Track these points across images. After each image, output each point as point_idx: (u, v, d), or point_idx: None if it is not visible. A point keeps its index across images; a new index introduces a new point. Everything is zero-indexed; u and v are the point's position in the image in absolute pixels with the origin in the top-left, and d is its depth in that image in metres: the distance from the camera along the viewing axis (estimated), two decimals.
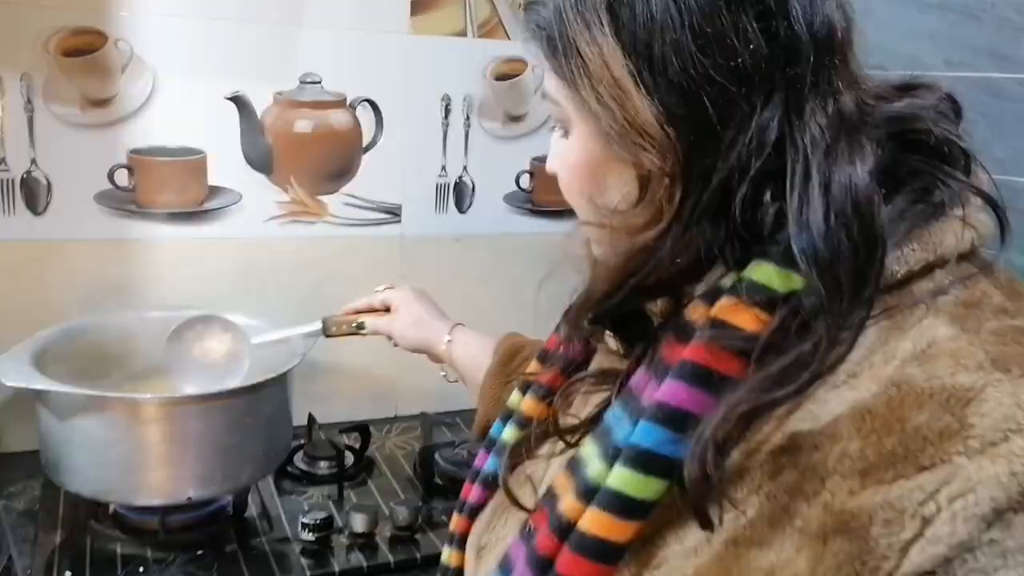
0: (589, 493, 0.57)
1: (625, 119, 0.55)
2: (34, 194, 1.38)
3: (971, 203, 0.56)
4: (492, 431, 0.77)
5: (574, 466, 0.60)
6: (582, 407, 0.69)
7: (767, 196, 0.55)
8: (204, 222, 1.49)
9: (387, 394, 1.69)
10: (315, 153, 1.54)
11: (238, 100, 1.46)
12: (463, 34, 1.60)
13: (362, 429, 1.53)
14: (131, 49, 1.38)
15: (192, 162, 1.46)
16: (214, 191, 1.49)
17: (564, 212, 1.72)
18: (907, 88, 0.60)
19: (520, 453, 0.72)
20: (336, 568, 1.18)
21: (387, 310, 1.24)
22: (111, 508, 1.26)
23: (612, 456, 0.56)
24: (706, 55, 0.53)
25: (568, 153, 0.64)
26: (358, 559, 1.21)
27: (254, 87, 1.47)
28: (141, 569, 1.15)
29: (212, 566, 1.17)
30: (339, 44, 1.51)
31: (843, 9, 0.56)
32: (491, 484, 0.74)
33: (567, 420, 0.68)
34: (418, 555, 1.23)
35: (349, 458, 1.48)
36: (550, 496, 0.60)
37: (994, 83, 1.31)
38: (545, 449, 0.71)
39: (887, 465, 0.49)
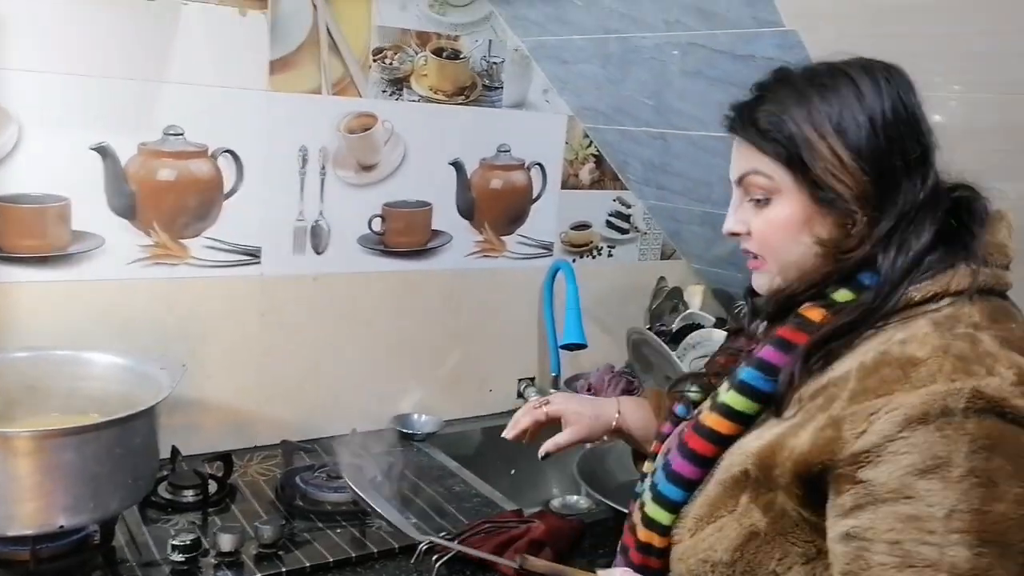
0: (713, 407, 0.99)
1: (850, 184, 0.92)
2: None
3: (976, 259, 0.91)
4: (686, 393, 1.15)
5: (714, 396, 1.01)
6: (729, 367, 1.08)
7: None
8: (67, 265, 1.56)
9: (247, 425, 1.79)
10: (177, 199, 1.63)
11: (102, 150, 1.55)
12: (318, 91, 1.74)
13: (225, 458, 1.62)
14: None
15: (55, 208, 1.53)
16: (77, 236, 1.56)
17: (412, 253, 1.89)
18: (960, 186, 0.97)
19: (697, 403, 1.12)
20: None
21: (554, 421, 1.31)
22: None
23: (729, 388, 0.98)
24: (891, 153, 0.92)
25: (775, 214, 0.97)
26: None
27: (118, 138, 1.56)
28: None
29: None
30: (202, 99, 1.62)
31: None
32: (676, 421, 1.12)
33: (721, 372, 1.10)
34: (283, 569, 1.34)
35: (213, 486, 1.57)
36: (698, 413, 1.04)
37: None
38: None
39: (863, 394, 0.85)
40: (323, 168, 1.78)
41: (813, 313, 0.94)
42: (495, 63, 1.93)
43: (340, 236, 1.83)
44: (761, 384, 0.95)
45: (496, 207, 2.01)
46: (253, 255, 1.74)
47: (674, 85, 1.70)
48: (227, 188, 1.68)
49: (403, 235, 1.92)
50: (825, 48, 1.35)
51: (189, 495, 1.54)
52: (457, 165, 1.94)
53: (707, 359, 1.23)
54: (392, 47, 1.80)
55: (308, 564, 1.36)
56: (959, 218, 0.94)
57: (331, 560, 1.38)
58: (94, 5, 1.49)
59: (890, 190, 0.92)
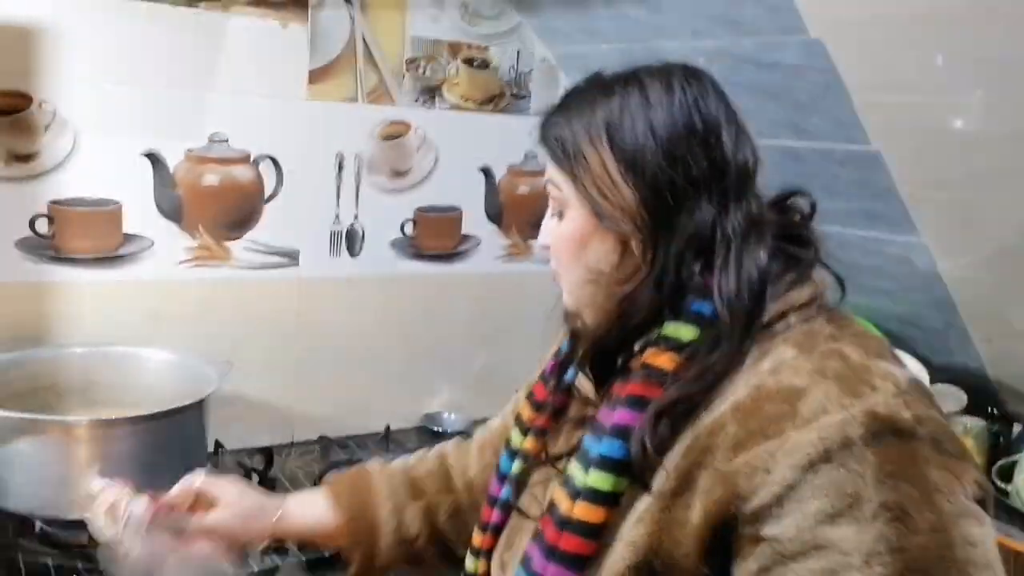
0: (576, 495, 0.82)
1: (615, 203, 0.83)
2: None
3: (813, 268, 0.84)
4: (502, 466, 0.98)
5: (566, 481, 0.85)
6: (567, 442, 0.93)
7: (696, 268, 0.82)
8: (118, 266, 1.63)
9: (285, 421, 1.85)
10: (221, 204, 1.70)
11: (152, 156, 1.62)
12: (354, 100, 1.81)
13: (266, 452, 1.68)
14: (55, 110, 1.52)
15: (108, 212, 1.60)
16: (128, 238, 1.63)
17: (443, 256, 1.95)
18: (788, 195, 0.88)
19: (524, 480, 0.96)
20: (256, 568, 1.34)
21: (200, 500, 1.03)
22: (37, 527, 1.37)
23: (588, 466, 0.82)
24: (670, 167, 0.81)
25: (563, 229, 0.88)
26: (273, 560, 1.37)
27: (167, 145, 1.63)
28: None
29: None
30: (245, 107, 1.69)
31: (755, 152, 0.85)
32: (507, 508, 0.96)
33: (557, 451, 0.93)
34: (326, 554, 1.39)
35: (255, 479, 1.63)
36: (552, 506, 0.85)
37: (792, 149, 1.62)
38: (541, 475, 0.94)
39: (749, 438, 0.74)
40: (358, 174, 1.85)
41: (662, 360, 0.81)
42: (523, 72, 2.00)
43: (374, 240, 1.90)
44: (622, 454, 0.80)
45: (524, 212, 2.07)
46: (291, 257, 1.80)
47: None
48: (267, 193, 1.75)
49: (434, 239, 1.98)
50: (850, 56, 1.41)
51: None
52: (486, 171, 2.01)
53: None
54: (425, 57, 1.87)
55: None
56: (791, 229, 0.86)
57: None
58: (145, 18, 1.57)
59: (670, 212, 0.82)
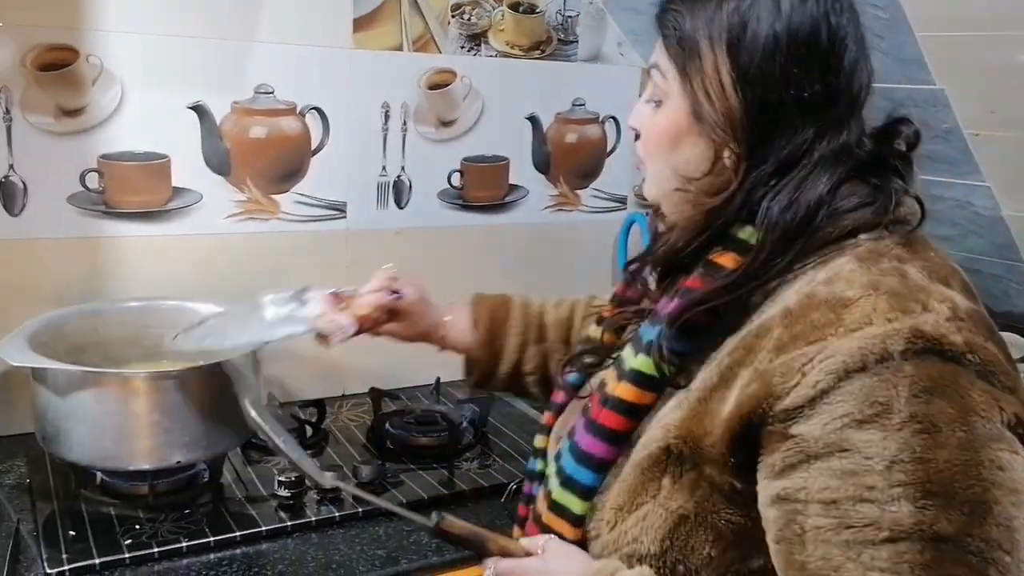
0: (623, 376, 0.89)
1: (719, 109, 0.82)
2: (11, 197, 1.50)
3: (899, 195, 0.84)
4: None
5: (617, 362, 0.92)
6: (633, 332, 0.98)
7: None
8: (168, 220, 1.63)
9: (336, 374, 1.85)
10: (268, 156, 1.69)
11: (199, 109, 1.61)
12: (400, 48, 1.78)
13: (318, 404, 1.69)
14: (101, 63, 1.52)
15: (157, 166, 1.60)
16: (177, 192, 1.63)
17: (490, 207, 1.92)
18: (894, 122, 0.88)
19: (594, 369, 1.02)
20: (312, 518, 1.35)
21: (394, 292, 1.29)
22: (99, 478, 1.39)
23: (638, 351, 0.89)
24: (782, 85, 0.80)
25: (658, 119, 0.88)
26: (329, 510, 1.38)
27: (213, 97, 1.62)
28: (137, 527, 1.29)
29: (201, 522, 1.32)
30: (290, 58, 1.67)
31: (870, 80, 0.84)
32: (571, 391, 1.04)
33: (622, 341, 0.99)
34: (382, 506, 1.40)
35: (308, 431, 1.64)
36: (601, 384, 0.93)
37: None
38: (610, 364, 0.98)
39: (791, 342, 0.76)
40: (404, 124, 1.82)
41: (724, 259, 0.84)
42: (570, 17, 1.95)
43: (421, 191, 1.88)
44: (674, 344, 0.86)
45: (571, 161, 2.04)
46: (339, 209, 1.79)
47: None
48: (314, 144, 1.74)
49: (481, 189, 1.95)
50: None
51: None
52: (533, 120, 1.97)
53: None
54: (470, 3, 1.83)
55: (405, 501, 1.42)
56: (888, 154, 0.86)
57: (426, 497, 1.44)
58: None
59: (770, 128, 0.81)
